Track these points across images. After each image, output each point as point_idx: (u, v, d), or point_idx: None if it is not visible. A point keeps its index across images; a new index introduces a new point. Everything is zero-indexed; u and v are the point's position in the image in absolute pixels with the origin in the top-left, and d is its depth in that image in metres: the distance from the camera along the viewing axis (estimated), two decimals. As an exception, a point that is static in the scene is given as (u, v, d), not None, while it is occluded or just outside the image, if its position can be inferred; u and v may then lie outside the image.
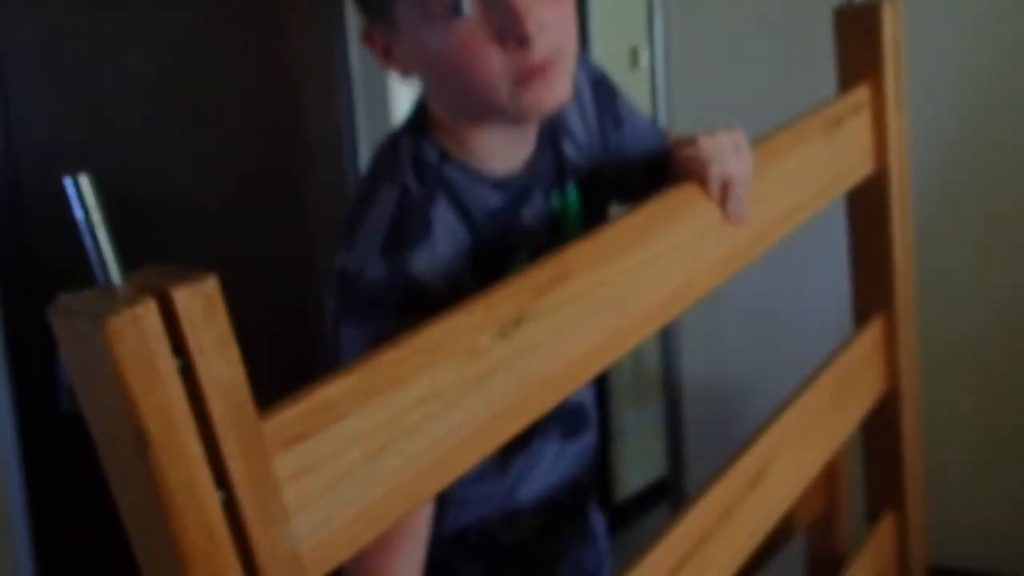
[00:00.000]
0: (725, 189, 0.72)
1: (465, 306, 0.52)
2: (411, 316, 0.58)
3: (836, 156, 0.93)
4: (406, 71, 0.72)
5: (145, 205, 1.94)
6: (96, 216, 0.34)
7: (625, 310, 0.64)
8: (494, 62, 0.66)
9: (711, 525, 0.75)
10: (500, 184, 0.74)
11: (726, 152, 0.72)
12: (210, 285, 0.36)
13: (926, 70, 1.39)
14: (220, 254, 2.09)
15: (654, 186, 0.74)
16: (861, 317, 1.06)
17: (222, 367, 0.37)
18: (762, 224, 0.80)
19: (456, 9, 0.64)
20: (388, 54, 0.72)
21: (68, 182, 0.35)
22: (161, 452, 0.36)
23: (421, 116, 0.75)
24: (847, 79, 0.98)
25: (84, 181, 0.34)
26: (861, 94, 0.96)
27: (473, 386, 0.52)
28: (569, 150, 0.79)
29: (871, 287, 1.06)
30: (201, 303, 0.36)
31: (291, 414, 0.43)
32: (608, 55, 2.01)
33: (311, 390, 0.44)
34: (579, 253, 0.60)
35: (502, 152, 0.74)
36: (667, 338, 1.96)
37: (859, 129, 0.96)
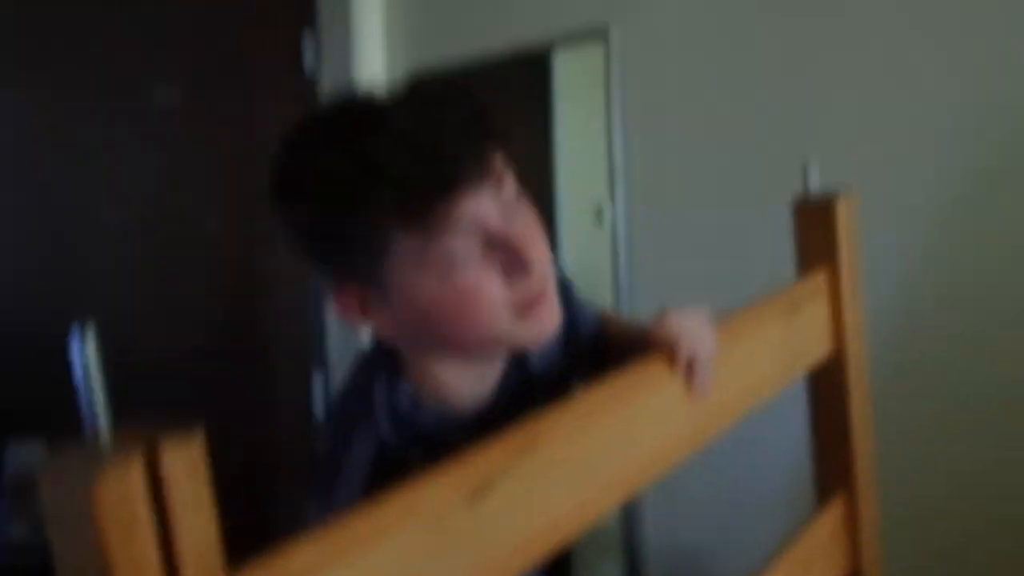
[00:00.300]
0: (691, 366, 0.75)
1: (434, 473, 0.52)
2: None
3: (794, 339, 0.97)
4: (387, 325, 0.71)
5: (112, 350, 1.93)
6: (95, 367, 0.36)
7: (592, 480, 0.65)
8: (497, 298, 0.68)
9: None
10: (467, 422, 0.76)
11: (694, 331, 0.76)
12: (196, 445, 0.37)
13: (881, 258, 1.49)
14: (185, 399, 2.07)
15: (596, 369, 0.75)
16: (822, 496, 1.07)
17: (199, 528, 0.38)
18: (724, 402, 0.83)
19: (463, 261, 0.66)
20: (365, 311, 0.71)
21: (75, 329, 0.36)
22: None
23: (389, 353, 0.76)
24: (805, 265, 1.04)
25: (90, 332, 0.36)
26: (818, 280, 1.02)
27: (440, 554, 0.52)
28: (535, 364, 0.82)
29: (831, 466, 1.08)
30: (186, 463, 0.37)
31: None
32: (574, 213, 2.12)
33: (279, 554, 0.44)
34: (548, 423, 0.62)
35: (477, 382, 0.77)
36: (629, 506, 1.95)
37: (816, 313, 1.01)
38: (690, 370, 0.75)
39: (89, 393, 0.36)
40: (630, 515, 1.99)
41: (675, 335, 0.74)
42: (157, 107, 2.02)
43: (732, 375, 0.84)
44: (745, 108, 1.83)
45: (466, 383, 0.76)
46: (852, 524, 1.06)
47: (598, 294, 2.04)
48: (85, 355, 0.36)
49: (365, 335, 0.89)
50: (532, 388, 0.81)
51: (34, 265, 1.84)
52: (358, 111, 0.69)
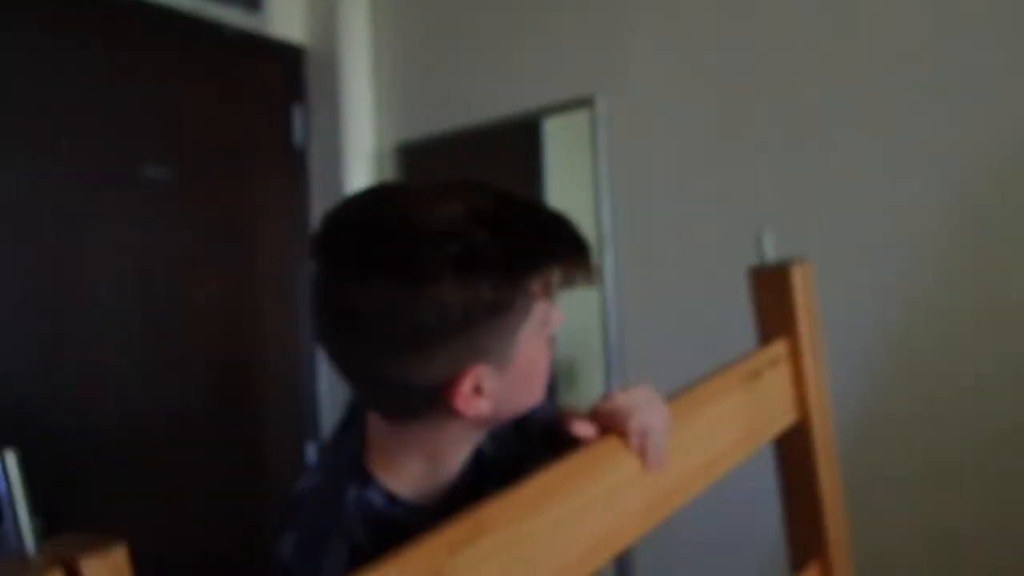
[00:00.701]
0: (643, 439, 0.76)
1: (377, 569, 0.53)
2: None
3: (757, 406, 0.98)
4: (489, 404, 0.71)
5: (100, 428, 1.94)
6: (18, 490, 0.38)
7: (544, 566, 0.65)
8: None
9: None
10: (437, 507, 0.77)
11: (642, 405, 0.77)
12: (118, 554, 0.39)
13: (843, 328, 1.52)
14: (178, 471, 2.07)
15: (550, 455, 0.75)
16: (796, 564, 1.07)
17: None
18: (685, 473, 0.84)
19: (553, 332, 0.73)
20: (479, 392, 0.70)
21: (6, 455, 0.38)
22: None
23: (357, 452, 0.77)
24: (765, 333, 1.05)
25: (10, 457, 0.38)
26: (779, 348, 1.03)
27: None
28: (488, 449, 0.84)
29: (804, 534, 1.08)
30: (108, 573, 0.38)
31: None
32: None
33: None
34: (495, 508, 0.62)
35: (459, 463, 0.79)
36: (622, 558, 1.96)
37: (779, 380, 1.02)
38: (643, 443, 0.76)
39: (14, 514, 0.38)
40: (623, 567, 1.99)
41: (626, 410, 0.76)
42: (148, 182, 2.07)
43: (693, 446, 0.85)
44: (721, 169, 1.88)
45: (458, 463, 0.78)
46: (827, 592, 1.06)
47: (590, 356, 2.07)
48: (9, 479, 0.38)
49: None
50: (487, 473, 0.82)
51: (23, 342, 1.86)
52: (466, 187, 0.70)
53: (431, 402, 0.69)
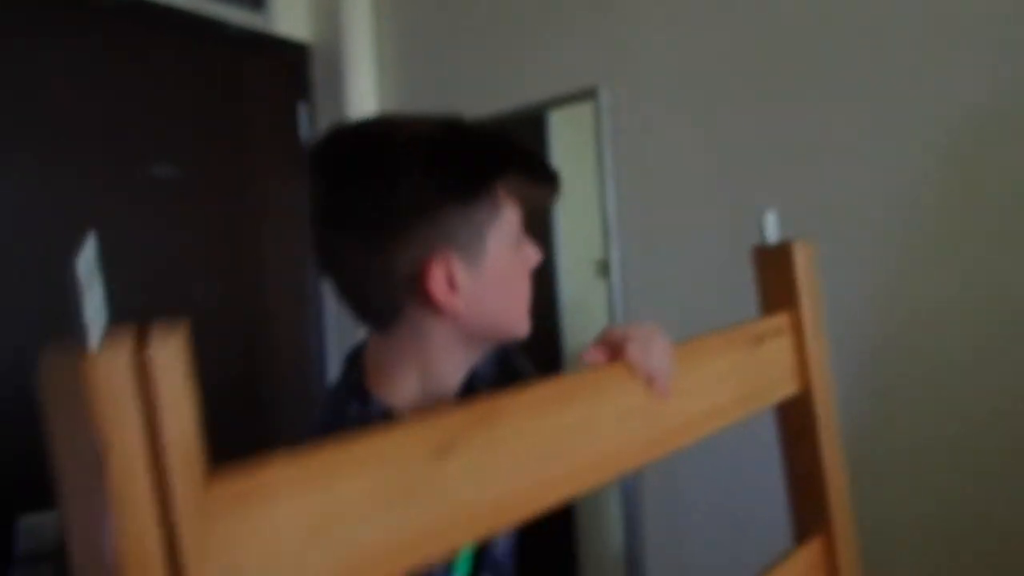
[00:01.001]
0: (649, 366, 0.79)
1: (404, 425, 0.57)
2: None
3: (759, 368, 1.00)
4: (463, 303, 0.79)
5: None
6: (95, 268, 0.39)
7: (552, 463, 0.68)
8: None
9: None
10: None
11: (647, 336, 0.80)
12: (181, 336, 0.42)
13: (844, 304, 1.54)
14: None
15: None
16: (800, 538, 1.07)
17: (183, 412, 0.43)
18: (687, 415, 0.85)
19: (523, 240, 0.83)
20: (452, 286, 0.78)
21: (89, 236, 0.40)
22: (115, 479, 0.40)
23: (357, 378, 0.84)
24: (768, 308, 1.08)
25: (92, 239, 0.40)
26: (781, 320, 1.06)
27: (402, 501, 0.55)
28: (479, 379, 0.91)
29: (807, 507, 1.08)
30: (171, 350, 0.42)
31: (236, 481, 0.47)
32: (573, 264, 2.19)
33: (257, 463, 0.48)
34: (507, 400, 0.66)
35: (455, 382, 0.85)
36: (631, 524, 1.95)
37: (781, 350, 1.05)
38: (649, 369, 0.78)
39: (88, 291, 0.39)
40: (632, 534, 1.98)
41: (629, 336, 0.78)
42: (156, 181, 2.09)
43: (695, 392, 0.87)
44: (724, 160, 1.93)
45: (452, 381, 0.83)
46: (831, 564, 1.06)
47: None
48: (88, 258, 0.40)
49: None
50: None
51: (37, 335, 1.85)
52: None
53: (411, 292, 0.77)
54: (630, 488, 2.00)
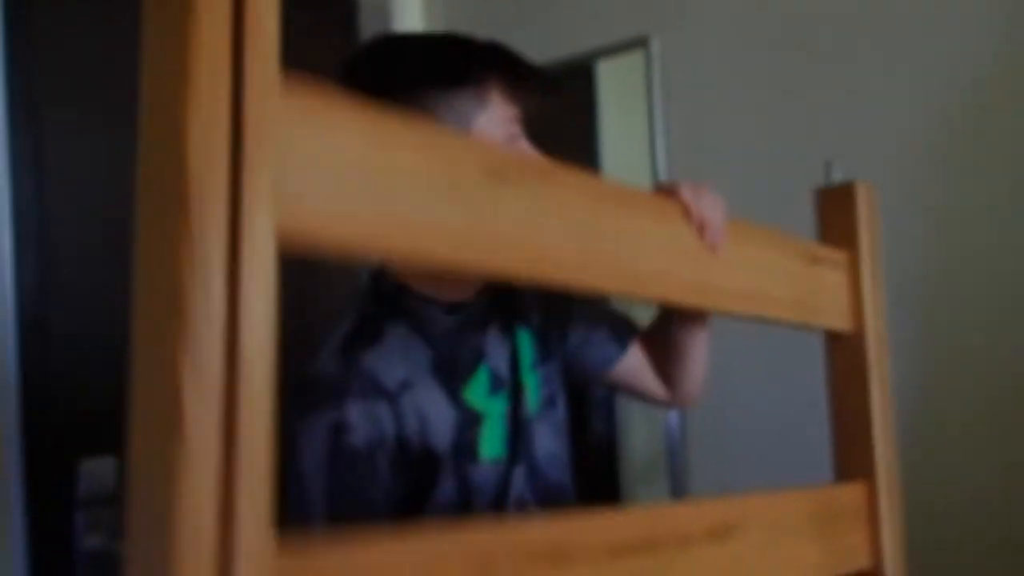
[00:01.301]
0: (703, 213, 0.82)
1: (460, 142, 0.59)
2: (361, 403, 0.82)
3: (812, 287, 1.01)
4: None
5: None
6: None
7: (589, 246, 0.69)
8: None
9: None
10: (452, 309, 0.97)
11: (703, 189, 0.82)
12: None
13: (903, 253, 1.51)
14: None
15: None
16: (841, 478, 1.03)
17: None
18: (737, 285, 0.87)
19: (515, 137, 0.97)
20: None
21: None
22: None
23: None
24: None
25: None
26: (839, 255, 1.06)
27: (458, 203, 0.60)
28: (527, 299, 1.06)
29: (851, 452, 1.05)
30: None
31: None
32: None
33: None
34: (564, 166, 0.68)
35: (459, 280, 0.96)
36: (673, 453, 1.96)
37: (836, 281, 1.05)
38: (702, 215, 0.80)
39: None
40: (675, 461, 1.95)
41: (686, 185, 0.81)
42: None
43: (744, 267, 0.88)
44: (780, 111, 1.87)
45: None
46: (872, 510, 1.02)
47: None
48: None
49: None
50: (518, 310, 1.03)
51: (102, 277, 1.87)
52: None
53: None
54: (675, 440, 1.94)
